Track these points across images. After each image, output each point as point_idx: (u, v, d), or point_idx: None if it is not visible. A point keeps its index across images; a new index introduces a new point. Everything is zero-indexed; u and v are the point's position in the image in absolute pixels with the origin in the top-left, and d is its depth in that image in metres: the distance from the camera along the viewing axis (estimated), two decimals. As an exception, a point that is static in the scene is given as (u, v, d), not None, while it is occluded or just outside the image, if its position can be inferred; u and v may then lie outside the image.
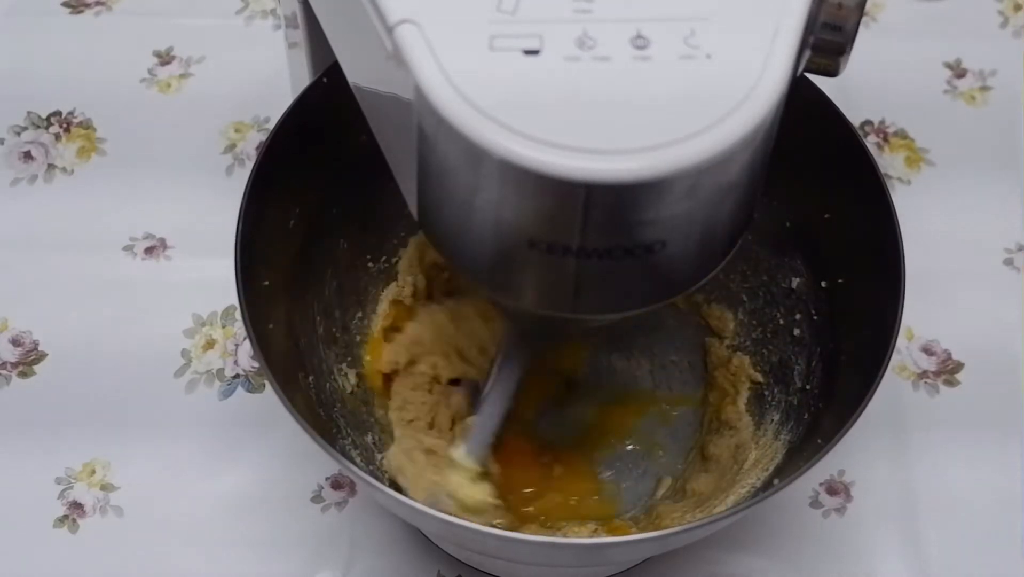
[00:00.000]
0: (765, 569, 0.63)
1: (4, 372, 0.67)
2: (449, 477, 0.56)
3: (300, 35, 0.57)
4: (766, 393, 0.62)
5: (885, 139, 0.76)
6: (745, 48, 0.38)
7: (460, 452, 0.56)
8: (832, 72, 0.43)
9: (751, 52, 0.38)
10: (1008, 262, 0.72)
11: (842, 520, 0.64)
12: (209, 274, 0.63)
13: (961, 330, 0.69)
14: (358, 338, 0.63)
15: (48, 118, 0.75)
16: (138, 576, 0.62)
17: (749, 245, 0.61)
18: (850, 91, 0.72)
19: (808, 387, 0.59)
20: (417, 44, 0.38)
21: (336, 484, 0.64)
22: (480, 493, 0.55)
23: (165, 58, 0.78)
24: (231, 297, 0.51)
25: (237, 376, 0.67)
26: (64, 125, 0.75)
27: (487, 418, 0.56)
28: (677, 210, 0.39)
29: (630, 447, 0.64)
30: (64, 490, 0.64)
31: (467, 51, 0.38)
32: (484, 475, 0.56)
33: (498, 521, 0.56)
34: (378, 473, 0.59)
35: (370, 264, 0.64)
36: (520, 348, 0.55)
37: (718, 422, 0.63)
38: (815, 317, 0.60)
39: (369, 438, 0.61)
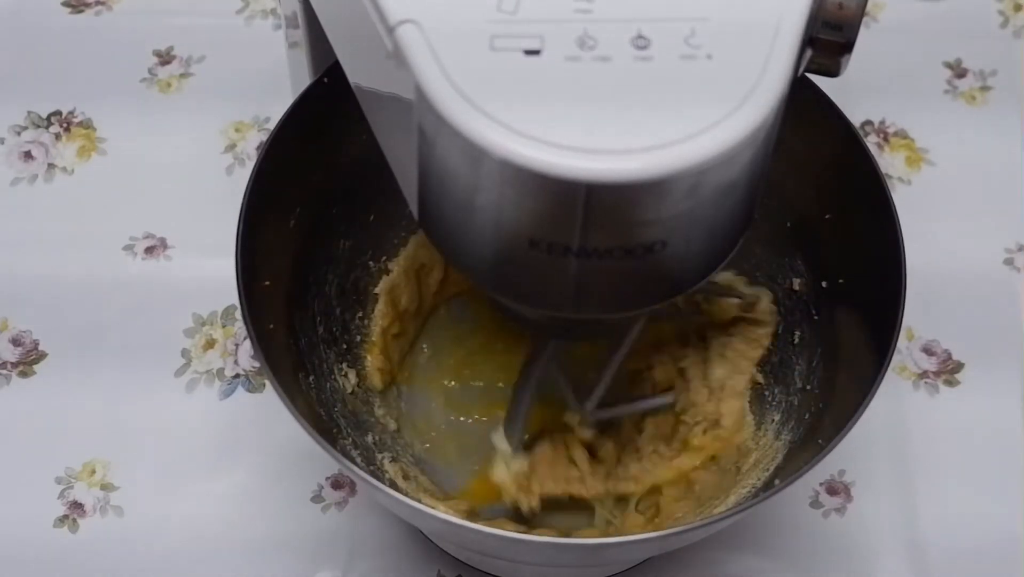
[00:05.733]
0: (765, 569, 0.63)
1: (4, 372, 0.67)
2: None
3: (300, 35, 0.57)
4: (766, 393, 0.62)
5: (885, 139, 0.76)
6: (746, 48, 0.38)
7: (499, 435, 0.57)
8: (833, 72, 0.43)
9: (752, 52, 0.38)
10: (1008, 262, 0.72)
11: (842, 520, 0.64)
12: (209, 274, 0.63)
13: (961, 330, 0.69)
14: (358, 338, 0.63)
15: (48, 118, 0.75)
16: (138, 576, 0.62)
17: (749, 245, 0.61)
18: (850, 91, 0.72)
19: (808, 387, 0.59)
20: (418, 44, 0.38)
21: (336, 484, 0.64)
22: (513, 472, 0.56)
23: (165, 58, 0.78)
24: (231, 297, 0.51)
25: (237, 376, 0.67)
26: (64, 125, 0.75)
27: (520, 404, 0.57)
28: (677, 210, 0.39)
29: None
30: (64, 490, 0.64)
31: (468, 51, 0.38)
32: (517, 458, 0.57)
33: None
34: (378, 473, 0.59)
35: (370, 264, 0.64)
36: (546, 342, 0.56)
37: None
38: (815, 317, 0.60)
39: (369, 438, 0.61)
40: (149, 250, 0.71)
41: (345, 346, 0.62)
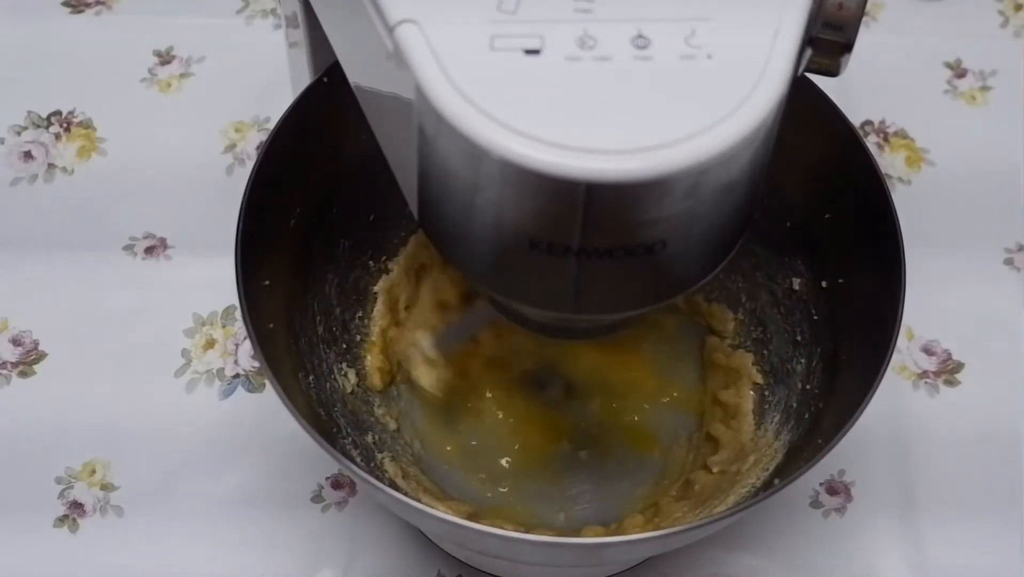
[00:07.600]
0: (765, 569, 0.63)
1: (4, 372, 0.67)
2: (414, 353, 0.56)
3: (300, 35, 0.57)
4: (766, 393, 0.62)
5: (885, 139, 0.76)
6: (746, 48, 0.38)
7: (428, 341, 0.56)
8: (833, 72, 0.43)
9: (752, 52, 0.38)
10: (1008, 262, 0.72)
11: (842, 520, 0.64)
12: (209, 274, 0.63)
13: (961, 330, 0.69)
14: (358, 338, 0.63)
15: (48, 118, 0.75)
16: (138, 576, 0.62)
17: (749, 245, 0.61)
18: (850, 91, 0.73)
19: (808, 387, 0.59)
20: (418, 44, 0.38)
21: (336, 484, 0.64)
22: (429, 378, 0.57)
23: (165, 58, 0.78)
24: (231, 297, 0.51)
25: (237, 376, 0.67)
26: (64, 125, 0.75)
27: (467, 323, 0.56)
28: (678, 210, 0.39)
29: (629, 446, 0.64)
30: (64, 490, 0.64)
31: (468, 51, 0.38)
32: (440, 367, 0.57)
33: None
34: (378, 473, 0.59)
35: (370, 263, 0.64)
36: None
37: (722, 413, 0.63)
38: (815, 317, 0.60)
39: (369, 438, 0.61)
40: (149, 250, 0.71)
41: (345, 346, 0.62)
